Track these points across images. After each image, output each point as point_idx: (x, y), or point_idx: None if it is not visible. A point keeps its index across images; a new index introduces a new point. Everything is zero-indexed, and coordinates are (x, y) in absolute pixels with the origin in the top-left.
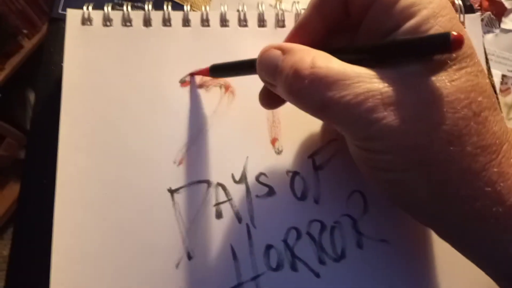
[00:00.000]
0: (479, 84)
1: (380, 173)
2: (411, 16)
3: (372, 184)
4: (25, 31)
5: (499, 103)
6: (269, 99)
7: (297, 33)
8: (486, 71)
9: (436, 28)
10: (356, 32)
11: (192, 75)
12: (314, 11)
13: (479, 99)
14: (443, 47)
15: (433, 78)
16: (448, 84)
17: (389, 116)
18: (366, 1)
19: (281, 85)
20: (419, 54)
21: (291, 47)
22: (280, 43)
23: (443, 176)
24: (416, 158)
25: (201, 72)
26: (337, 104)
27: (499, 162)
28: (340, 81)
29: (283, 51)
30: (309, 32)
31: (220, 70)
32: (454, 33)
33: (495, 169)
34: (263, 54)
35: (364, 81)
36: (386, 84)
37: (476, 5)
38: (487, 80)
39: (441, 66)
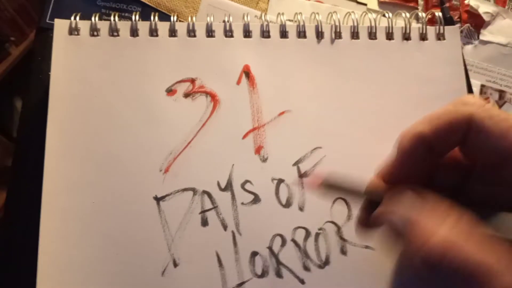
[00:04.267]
0: None
1: None
2: None
3: None
4: (12, 38)
5: None
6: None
7: (401, 164)
8: None
9: None
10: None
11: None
12: (422, 143)
13: None
14: None
15: None
16: None
17: None
18: (495, 159)
19: (405, 250)
20: None
21: (423, 203)
22: (412, 188)
23: None
24: None
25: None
26: None
27: None
28: (477, 276)
29: (415, 202)
30: (412, 166)
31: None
32: None
33: None
34: (394, 207)
35: (505, 274)
36: None
37: (456, 17)
38: None
39: None
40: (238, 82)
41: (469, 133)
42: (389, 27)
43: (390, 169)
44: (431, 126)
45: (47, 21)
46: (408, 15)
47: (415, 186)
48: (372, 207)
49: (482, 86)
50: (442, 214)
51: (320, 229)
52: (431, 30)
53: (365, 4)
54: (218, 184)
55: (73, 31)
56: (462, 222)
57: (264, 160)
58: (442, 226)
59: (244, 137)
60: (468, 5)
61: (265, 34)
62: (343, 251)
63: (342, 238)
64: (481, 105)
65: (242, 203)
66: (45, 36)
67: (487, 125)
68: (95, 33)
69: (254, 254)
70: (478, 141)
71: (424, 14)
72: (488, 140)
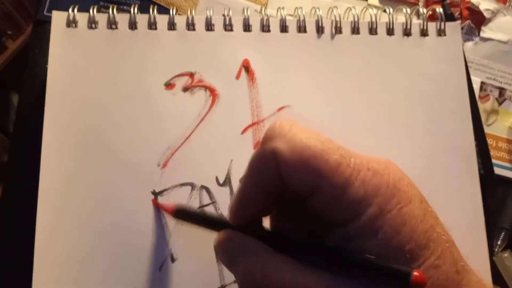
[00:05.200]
0: None
1: None
2: (357, 214)
3: None
4: (9, 32)
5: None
6: None
7: (241, 207)
8: None
9: (385, 229)
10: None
11: (156, 205)
12: (251, 187)
13: None
14: (403, 284)
15: None
16: None
17: None
18: (306, 189)
19: (238, 285)
20: (376, 279)
21: (243, 246)
22: (233, 233)
23: None
24: None
25: (164, 207)
26: None
27: None
28: None
29: (235, 248)
30: (251, 207)
31: (185, 216)
32: (416, 273)
33: None
34: (218, 244)
35: None
36: None
37: (457, 14)
38: None
39: None
40: (238, 77)
41: (280, 170)
42: (389, 22)
43: (234, 211)
44: (249, 171)
45: (45, 13)
46: (409, 10)
47: (253, 225)
48: None
49: (482, 83)
50: (259, 254)
51: None
52: (432, 26)
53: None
54: (217, 179)
55: (71, 23)
56: (276, 260)
57: None
58: (259, 260)
59: (243, 132)
60: (469, 1)
61: (265, 28)
62: None
63: None
64: (282, 134)
65: None
66: (42, 28)
67: (288, 158)
68: (93, 26)
69: None
70: (286, 175)
71: (425, 10)
72: (292, 173)
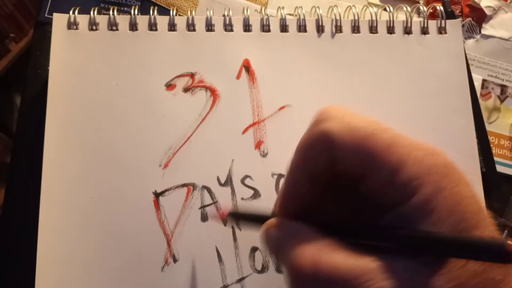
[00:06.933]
0: None
1: None
2: (411, 194)
3: None
4: (12, 35)
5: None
6: None
7: (289, 195)
8: None
9: (439, 209)
10: (354, 189)
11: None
12: (301, 174)
13: None
14: (495, 258)
15: None
16: None
17: None
18: (359, 170)
19: (286, 273)
20: (459, 257)
21: (291, 231)
22: (281, 219)
23: None
24: None
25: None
26: None
27: None
28: (348, 282)
29: (283, 234)
30: (300, 195)
31: (239, 218)
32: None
33: None
34: (265, 233)
35: (375, 278)
36: (399, 283)
37: (457, 12)
38: None
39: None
40: (238, 77)
41: (333, 151)
42: (390, 21)
43: (281, 202)
44: (298, 156)
45: (46, 15)
46: (409, 8)
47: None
48: None
49: (484, 80)
50: (310, 238)
51: None
52: (432, 24)
53: None
54: (218, 179)
55: (72, 25)
56: (326, 243)
57: (264, 155)
58: (311, 245)
59: (244, 132)
60: None
61: (265, 28)
62: None
63: None
64: (338, 116)
65: (242, 198)
66: (44, 30)
67: (342, 138)
68: (94, 28)
69: (254, 249)
70: (340, 156)
71: (425, 8)
72: (347, 153)
